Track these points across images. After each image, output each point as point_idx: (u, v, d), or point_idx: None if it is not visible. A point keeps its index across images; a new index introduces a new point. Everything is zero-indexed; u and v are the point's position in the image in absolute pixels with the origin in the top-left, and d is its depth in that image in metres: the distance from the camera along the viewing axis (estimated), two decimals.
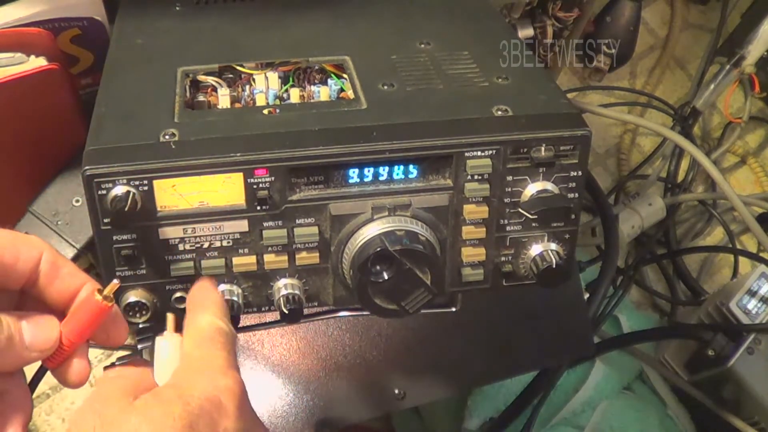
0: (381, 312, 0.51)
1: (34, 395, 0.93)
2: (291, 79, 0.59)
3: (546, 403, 0.97)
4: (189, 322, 0.45)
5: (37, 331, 0.42)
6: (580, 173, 0.52)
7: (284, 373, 0.70)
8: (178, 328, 0.46)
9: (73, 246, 0.70)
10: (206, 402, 0.39)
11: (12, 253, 0.42)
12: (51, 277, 0.43)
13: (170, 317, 0.44)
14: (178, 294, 0.51)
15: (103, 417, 0.39)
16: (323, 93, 0.57)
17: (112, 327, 0.45)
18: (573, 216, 0.53)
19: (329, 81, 0.58)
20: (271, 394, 0.69)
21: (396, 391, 0.71)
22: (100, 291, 0.43)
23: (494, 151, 0.50)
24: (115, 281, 0.43)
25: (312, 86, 0.58)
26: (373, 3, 0.69)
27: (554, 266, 0.53)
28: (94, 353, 0.94)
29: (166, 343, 0.44)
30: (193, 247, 0.50)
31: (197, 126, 0.50)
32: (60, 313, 0.44)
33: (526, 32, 1.01)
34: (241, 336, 0.70)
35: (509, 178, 0.51)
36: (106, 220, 0.48)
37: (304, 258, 0.52)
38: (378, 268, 0.49)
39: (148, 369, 0.44)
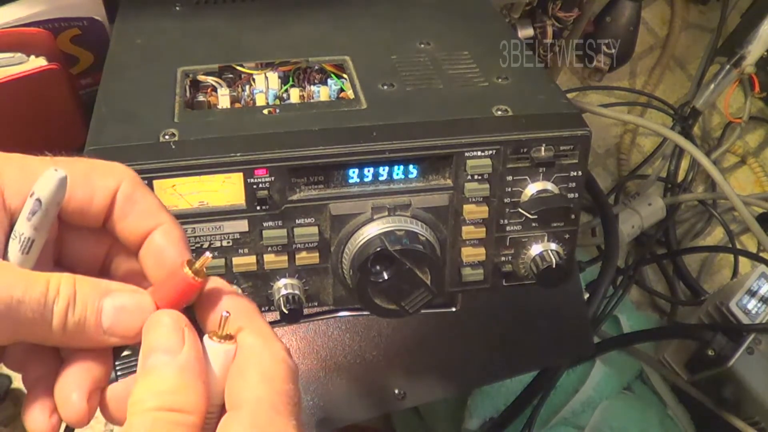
0: (381, 312, 0.51)
1: None
2: (291, 79, 0.59)
3: (546, 403, 0.97)
4: (257, 347, 0.35)
5: (122, 316, 0.35)
6: (580, 173, 0.52)
7: None
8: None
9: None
10: None
11: (86, 191, 0.36)
12: (124, 214, 0.37)
13: (225, 319, 0.35)
14: None
15: None
16: (323, 93, 0.57)
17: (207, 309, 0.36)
18: (573, 216, 0.53)
19: (329, 81, 0.58)
20: None
21: (396, 391, 0.71)
22: (190, 263, 0.35)
23: (494, 151, 0.50)
24: (208, 254, 0.36)
25: (312, 86, 0.58)
26: (373, 3, 0.69)
27: (554, 266, 0.53)
28: None
29: (215, 348, 0.35)
30: (193, 247, 0.50)
31: (197, 126, 0.50)
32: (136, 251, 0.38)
33: (526, 32, 1.01)
34: None
35: (509, 178, 0.51)
36: None
37: (304, 258, 0.51)
38: (378, 268, 0.49)
39: None
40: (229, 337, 0.35)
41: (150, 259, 0.37)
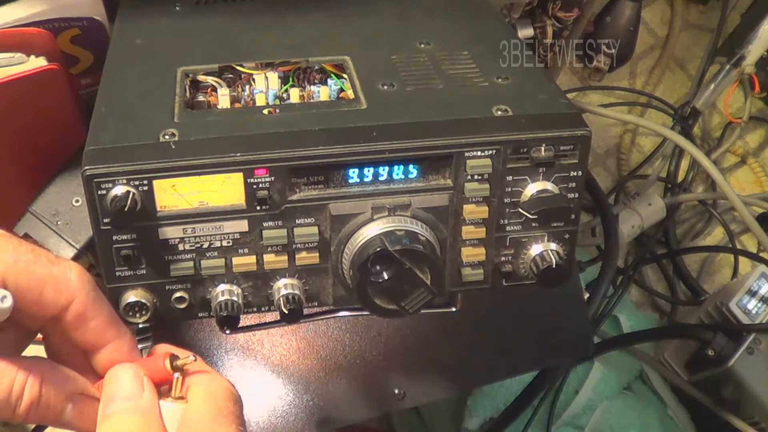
0: (381, 312, 0.51)
1: None
2: (291, 79, 0.59)
3: (546, 404, 0.97)
4: (203, 378, 0.41)
5: (80, 419, 0.40)
6: (580, 173, 0.52)
7: (284, 373, 0.70)
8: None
9: (73, 246, 0.70)
10: None
11: (33, 297, 0.39)
12: (74, 327, 0.41)
13: (177, 380, 0.40)
14: (178, 294, 0.51)
15: None
16: (323, 93, 0.57)
17: None
18: (573, 216, 0.53)
19: (329, 81, 0.58)
20: (271, 394, 0.69)
21: (396, 391, 0.71)
22: (173, 359, 0.41)
23: (494, 151, 0.50)
24: (192, 358, 0.41)
25: (312, 86, 0.58)
26: (373, 3, 0.69)
27: (554, 266, 0.53)
28: None
29: (169, 408, 0.40)
30: (193, 247, 0.50)
31: (197, 126, 0.50)
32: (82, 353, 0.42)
33: (526, 32, 1.01)
34: (241, 336, 0.70)
35: (509, 178, 0.51)
36: (105, 220, 0.48)
37: (304, 258, 0.52)
38: (378, 268, 0.49)
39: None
40: (181, 398, 0.40)
41: (100, 362, 0.42)
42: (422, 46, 0.61)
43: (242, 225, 0.50)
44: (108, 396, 0.40)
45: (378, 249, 0.49)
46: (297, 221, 0.50)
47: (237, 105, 0.57)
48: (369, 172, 0.50)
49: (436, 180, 0.51)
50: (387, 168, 0.50)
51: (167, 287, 0.51)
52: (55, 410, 0.39)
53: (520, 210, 0.52)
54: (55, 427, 0.40)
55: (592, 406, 1.03)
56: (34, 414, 0.38)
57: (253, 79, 0.58)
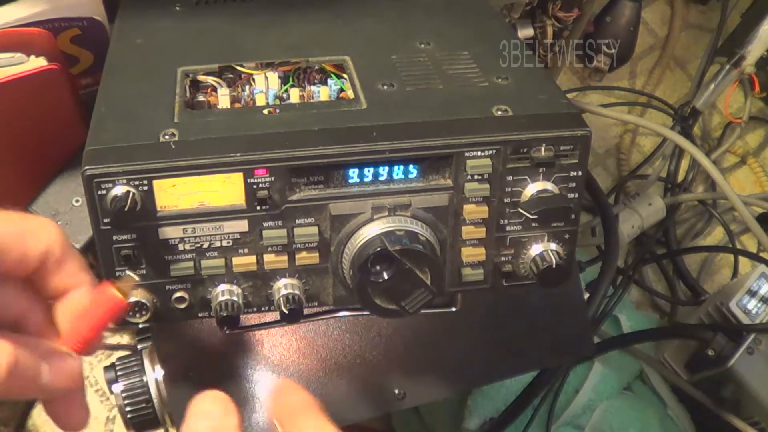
0: (381, 312, 0.51)
1: None
2: (291, 79, 0.59)
3: (546, 405, 0.97)
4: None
5: (57, 377, 0.40)
6: (580, 173, 0.52)
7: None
8: None
9: (73, 246, 0.70)
10: None
11: (19, 251, 0.40)
12: (51, 273, 0.42)
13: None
14: (178, 294, 0.51)
15: None
16: (323, 93, 0.57)
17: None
18: (573, 216, 0.53)
19: (329, 81, 0.58)
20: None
21: (396, 391, 0.71)
22: (114, 284, 0.42)
23: (494, 151, 0.50)
24: (131, 275, 0.42)
25: (312, 86, 0.58)
26: (373, 3, 0.69)
27: (554, 266, 0.53)
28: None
29: None
30: (193, 247, 0.50)
31: (197, 126, 0.50)
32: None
33: (526, 32, 1.01)
34: (241, 336, 0.70)
35: (509, 178, 0.51)
36: (105, 220, 0.48)
37: (304, 258, 0.52)
38: (378, 268, 0.49)
39: None
40: None
41: (66, 311, 0.43)
42: (422, 46, 0.61)
43: (242, 225, 0.50)
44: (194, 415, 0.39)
45: (378, 249, 0.49)
46: (297, 221, 0.50)
47: (237, 105, 0.57)
48: (369, 172, 0.50)
49: (436, 180, 0.51)
50: (387, 168, 0.50)
51: (167, 287, 0.51)
52: (33, 372, 0.39)
53: (520, 210, 0.52)
54: (35, 396, 0.41)
55: (592, 406, 1.03)
56: (15, 379, 0.38)
57: (253, 79, 0.58)
